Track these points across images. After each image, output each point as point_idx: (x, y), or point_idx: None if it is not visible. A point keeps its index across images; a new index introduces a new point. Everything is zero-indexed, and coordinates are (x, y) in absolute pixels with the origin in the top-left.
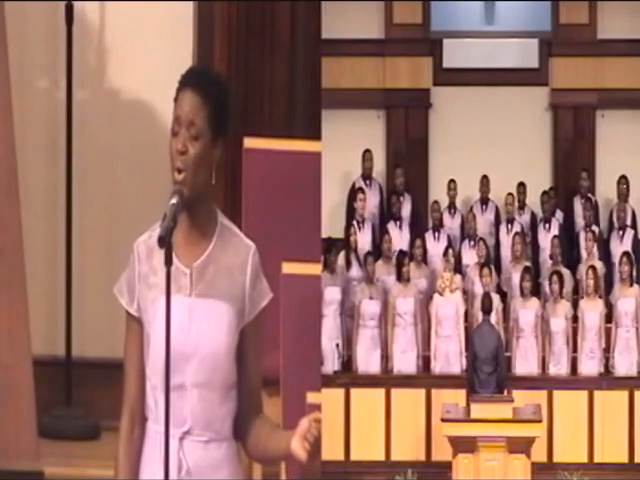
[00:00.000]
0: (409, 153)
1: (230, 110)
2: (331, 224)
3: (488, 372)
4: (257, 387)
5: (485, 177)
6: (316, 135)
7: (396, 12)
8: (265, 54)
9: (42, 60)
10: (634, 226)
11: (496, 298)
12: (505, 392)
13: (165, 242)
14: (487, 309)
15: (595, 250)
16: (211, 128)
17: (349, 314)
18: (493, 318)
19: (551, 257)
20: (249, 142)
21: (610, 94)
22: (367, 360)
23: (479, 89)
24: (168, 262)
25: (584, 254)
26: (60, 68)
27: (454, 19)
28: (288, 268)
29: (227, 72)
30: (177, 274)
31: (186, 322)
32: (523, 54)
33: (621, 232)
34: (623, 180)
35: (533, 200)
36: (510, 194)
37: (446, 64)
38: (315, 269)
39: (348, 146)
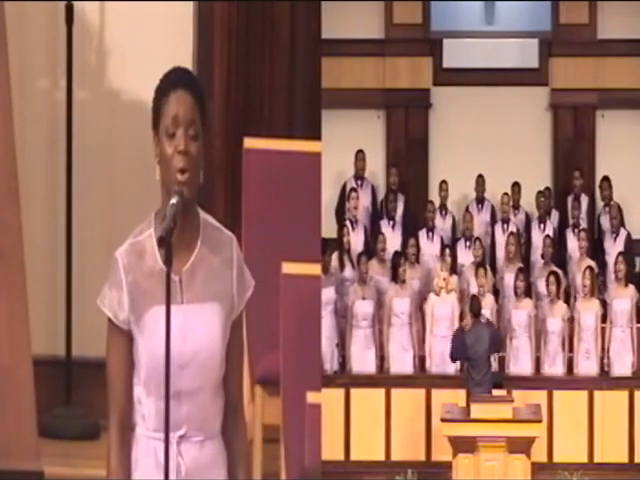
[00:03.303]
0: (409, 153)
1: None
2: (326, 224)
3: (482, 373)
4: (240, 382)
5: (480, 176)
6: (316, 135)
7: (396, 12)
8: (265, 54)
9: (42, 60)
10: (622, 224)
11: (491, 298)
12: (504, 391)
13: (165, 242)
14: (476, 312)
15: (588, 249)
16: (202, 128)
17: (342, 315)
18: (486, 315)
19: (542, 257)
20: (249, 142)
21: (610, 94)
22: (361, 360)
23: (479, 89)
24: (168, 262)
25: (573, 254)
26: (60, 68)
27: (454, 19)
28: (288, 268)
29: (227, 72)
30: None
31: (181, 330)
32: (523, 54)
33: (614, 235)
34: (605, 183)
35: (532, 200)
36: (505, 194)
37: (446, 64)
38: (315, 269)
39: (348, 146)
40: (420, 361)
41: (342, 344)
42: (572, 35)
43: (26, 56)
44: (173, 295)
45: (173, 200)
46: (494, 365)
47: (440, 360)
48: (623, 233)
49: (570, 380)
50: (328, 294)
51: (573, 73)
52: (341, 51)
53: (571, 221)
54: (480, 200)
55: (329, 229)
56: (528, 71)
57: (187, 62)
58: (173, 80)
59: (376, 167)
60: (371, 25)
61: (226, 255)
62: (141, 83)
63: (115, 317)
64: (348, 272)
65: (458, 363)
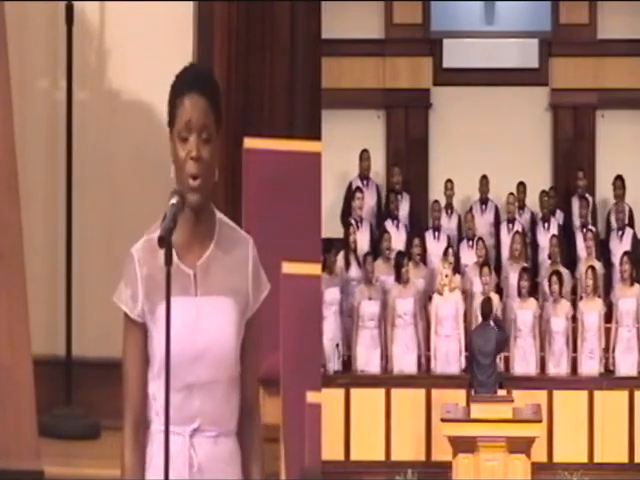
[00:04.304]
0: (409, 153)
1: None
2: (331, 225)
3: (487, 374)
4: (253, 384)
5: (485, 177)
6: (316, 135)
7: (396, 12)
8: (265, 54)
9: (42, 60)
10: (632, 225)
11: (495, 298)
12: (505, 391)
13: (165, 242)
14: (486, 314)
15: (593, 250)
16: (216, 127)
17: (348, 315)
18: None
19: (550, 257)
20: (249, 142)
21: (610, 94)
22: (367, 361)
23: (479, 89)
24: (168, 262)
25: (582, 254)
26: (60, 68)
27: (454, 19)
28: (288, 268)
29: (227, 72)
30: (181, 275)
31: (194, 322)
32: (523, 54)
33: (620, 232)
34: (619, 181)
35: (533, 200)
36: (511, 194)
37: (446, 64)
38: (315, 269)
39: (348, 146)
40: (424, 361)
41: (348, 344)
42: (572, 35)
43: (26, 56)
44: (187, 288)
45: (173, 200)
46: (499, 365)
47: (445, 360)
48: (629, 233)
49: (570, 380)
50: (333, 294)
51: (573, 73)
52: (341, 51)
53: (580, 221)
54: (484, 201)
55: (333, 230)
56: (528, 71)
57: (187, 62)
58: (188, 81)
59: (376, 167)
60: (371, 25)
61: (242, 254)
62: (141, 83)
63: (130, 311)
64: (354, 272)
65: (463, 362)
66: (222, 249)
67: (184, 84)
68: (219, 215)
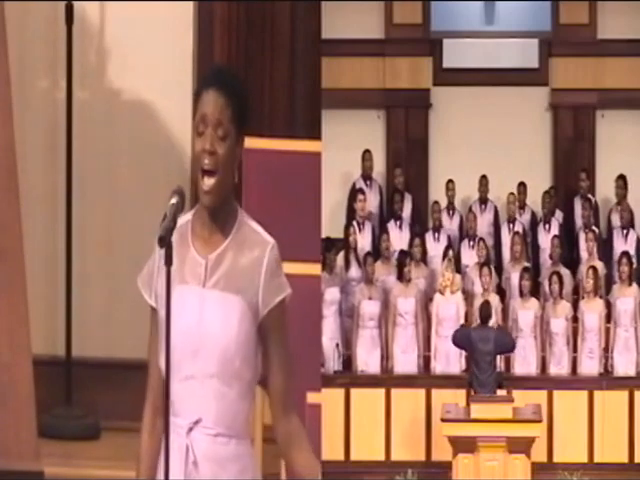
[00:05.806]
0: (409, 153)
1: (249, 107)
2: (331, 224)
3: (487, 374)
4: (280, 384)
5: (484, 177)
6: (316, 135)
7: (396, 12)
8: (265, 54)
9: (42, 60)
10: (632, 226)
11: (496, 299)
12: (505, 391)
13: (165, 242)
14: (485, 317)
15: (595, 250)
16: (235, 127)
17: (348, 314)
18: (492, 318)
19: (551, 257)
20: (249, 142)
21: (610, 94)
22: (367, 361)
23: (479, 89)
24: (168, 262)
25: (584, 254)
26: (60, 68)
27: (454, 19)
28: (288, 268)
29: None
30: (194, 264)
31: (196, 312)
32: (523, 54)
33: (625, 231)
34: (620, 181)
35: (533, 200)
36: (512, 194)
37: (446, 64)
38: (315, 269)
39: (348, 146)
40: (425, 361)
41: (348, 344)
42: (572, 35)
43: (26, 56)
44: (199, 277)
45: (173, 200)
46: (500, 365)
47: (445, 360)
48: (633, 234)
49: (570, 380)
50: (333, 294)
51: (573, 73)
52: (341, 51)
53: (582, 221)
54: (483, 200)
55: (334, 229)
56: (528, 71)
57: (187, 62)
58: (207, 79)
59: (377, 167)
60: (371, 25)
61: (257, 255)
62: (141, 83)
63: (148, 296)
64: (354, 272)
65: (463, 362)
66: (236, 248)
67: (204, 82)
68: (242, 216)
